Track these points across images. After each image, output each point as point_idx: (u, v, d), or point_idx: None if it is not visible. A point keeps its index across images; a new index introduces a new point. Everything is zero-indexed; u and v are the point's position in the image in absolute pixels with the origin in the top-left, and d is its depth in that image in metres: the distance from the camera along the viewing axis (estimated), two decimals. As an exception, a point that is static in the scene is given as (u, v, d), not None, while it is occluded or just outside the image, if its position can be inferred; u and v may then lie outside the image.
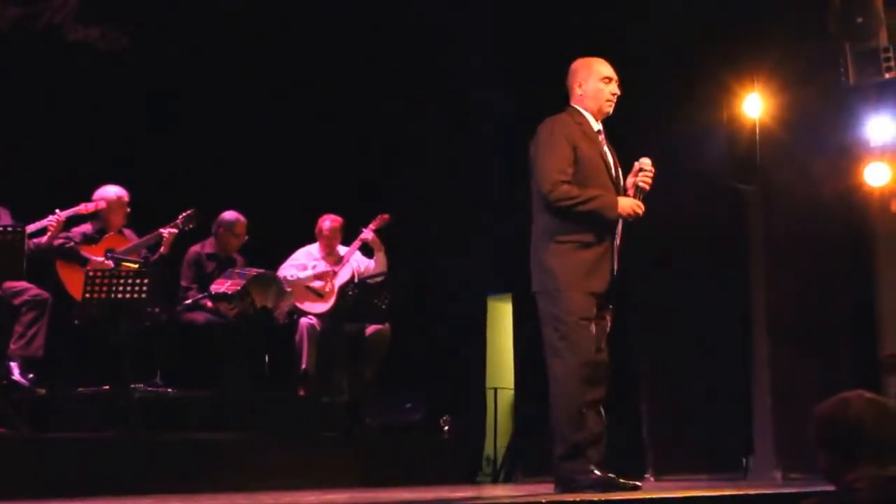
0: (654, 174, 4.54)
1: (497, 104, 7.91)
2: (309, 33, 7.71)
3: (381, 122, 7.96)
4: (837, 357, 6.62)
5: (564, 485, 4.42)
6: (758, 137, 6.68)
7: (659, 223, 6.96)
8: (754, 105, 6.68)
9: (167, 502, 4.20)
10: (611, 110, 4.62)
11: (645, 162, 4.55)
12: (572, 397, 4.48)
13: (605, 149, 4.60)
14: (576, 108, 4.62)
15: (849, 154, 6.63)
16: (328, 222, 7.21)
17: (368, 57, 7.91)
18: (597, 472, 4.39)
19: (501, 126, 7.93)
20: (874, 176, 6.51)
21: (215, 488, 5.17)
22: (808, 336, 6.64)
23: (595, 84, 4.59)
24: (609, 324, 4.57)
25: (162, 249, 6.46)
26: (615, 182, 4.56)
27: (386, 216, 7.15)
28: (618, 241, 4.53)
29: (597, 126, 4.60)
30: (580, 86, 4.61)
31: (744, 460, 6.66)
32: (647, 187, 4.53)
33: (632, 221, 4.49)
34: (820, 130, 6.61)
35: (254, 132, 7.59)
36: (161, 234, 6.44)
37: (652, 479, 6.58)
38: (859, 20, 6.03)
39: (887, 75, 6.04)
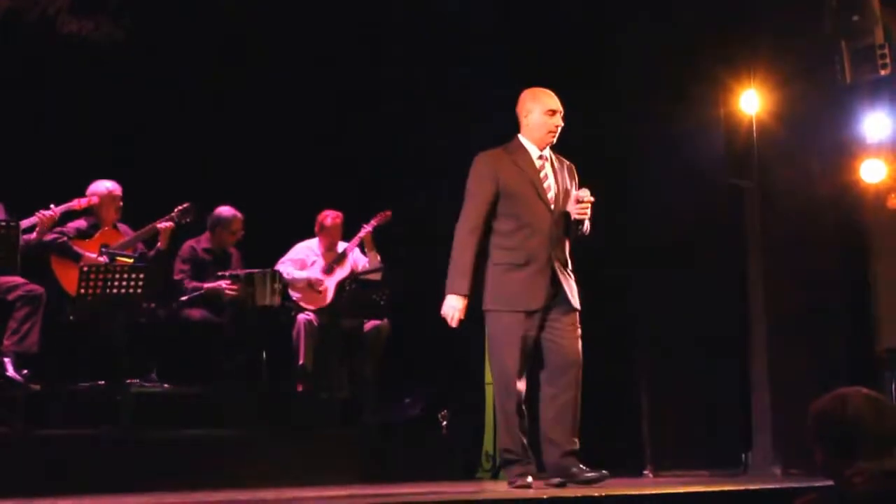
0: (593, 203, 4.78)
1: (498, 101, 7.90)
2: (309, 25, 7.70)
3: (381, 118, 7.95)
4: (835, 352, 6.62)
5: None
6: (755, 134, 6.68)
7: (657, 220, 7.02)
8: (751, 101, 6.68)
9: (164, 499, 4.19)
10: (553, 141, 4.86)
11: (582, 194, 4.79)
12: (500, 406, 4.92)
13: (546, 173, 4.82)
14: (518, 139, 4.90)
15: (845, 151, 6.63)
16: (330, 219, 7.21)
17: (370, 50, 7.90)
18: (523, 479, 4.71)
19: (502, 123, 7.92)
20: (870, 172, 6.52)
21: (213, 485, 5.16)
22: (805, 331, 6.65)
23: (539, 117, 4.83)
24: (575, 329, 4.85)
25: (159, 244, 6.46)
26: (550, 207, 4.77)
27: (388, 213, 7.16)
28: (558, 263, 4.77)
29: (537, 153, 4.85)
30: (525, 116, 4.88)
31: (743, 456, 6.66)
32: (584, 217, 4.79)
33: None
34: (816, 127, 6.61)
35: (251, 126, 7.58)
36: (157, 227, 6.44)
37: (651, 474, 6.59)
38: (855, 18, 6.03)
39: (883, 72, 6.04)
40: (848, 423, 2.72)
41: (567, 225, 4.81)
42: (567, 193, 4.83)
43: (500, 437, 4.93)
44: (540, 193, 4.76)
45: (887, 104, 6.41)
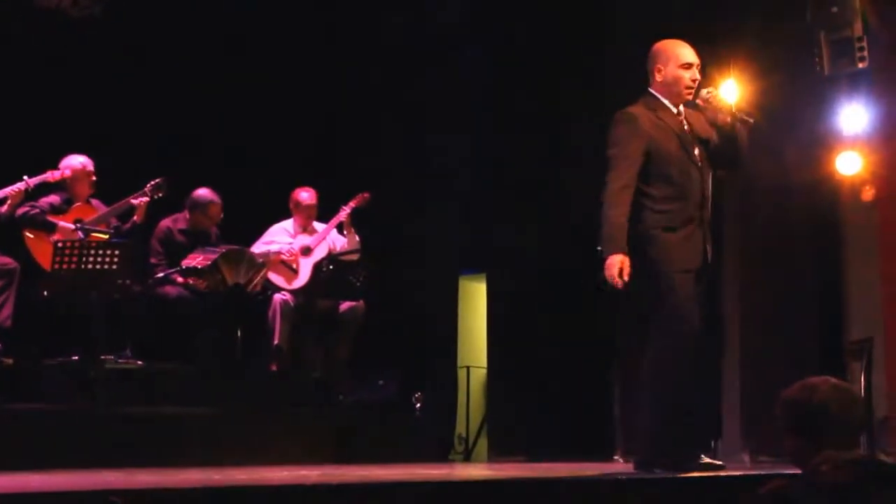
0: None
1: (475, 81, 7.91)
2: (285, 3, 7.66)
3: (356, 99, 7.93)
4: (805, 343, 6.69)
5: None
6: (692, 129, 6.71)
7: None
8: (730, 91, 6.70)
9: (136, 476, 4.19)
10: (690, 97, 4.63)
11: (704, 94, 4.60)
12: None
13: (690, 129, 4.62)
14: (654, 95, 4.63)
15: (821, 143, 6.67)
16: (305, 194, 7.17)
17: (346, 29, 7.87)
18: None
19: (479, 104, 7.93)
20: (846, 165, 6.55)
21: (185, 463, 5.16)
22: (777, 322, 6.71)
23: (675, 71, 4.59)
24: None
25: (136, 218, 6.42)
26: (698, 165, 4.59)
27: (366, 195, 7.14)
28: (706, 224, 4.61)
29: (675, 110, 4.62)
30: (659, 71, 4.62)
31: (712, 443, 6.72)
32: (730, 115, 4.55)
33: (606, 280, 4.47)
34: (794, 118, 6.64)
35: (229, 104, 7.54)
36: (131, 203, 6.39)
37: (621, 459, 6.64)
38: (834, 10, 6.06)
39: (861, 65, 6.07)
40: (815, 411, 2.76)
41: (710, 182, 4.62)
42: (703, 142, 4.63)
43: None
44: (688, 152, 4.57)
45: (864, 96, 6.44)
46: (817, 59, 6.22)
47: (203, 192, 6.82)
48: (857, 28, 6.06)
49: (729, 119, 4.60)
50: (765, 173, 6.63)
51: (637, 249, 4.44)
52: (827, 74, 6.28)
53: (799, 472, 2.82)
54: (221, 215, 6.87)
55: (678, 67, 4.60)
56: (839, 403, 2.77)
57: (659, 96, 4.65)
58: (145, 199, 6.42)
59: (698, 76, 4.63)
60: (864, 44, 6.04)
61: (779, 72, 6.54)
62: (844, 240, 6.91)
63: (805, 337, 6.72)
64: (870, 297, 6.42)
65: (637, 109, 4.61)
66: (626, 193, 4.46)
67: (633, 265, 4.41)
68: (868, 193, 6.41)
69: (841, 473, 2.64)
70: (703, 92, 4.63)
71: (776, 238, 6.72)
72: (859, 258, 6.77)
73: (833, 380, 2.84)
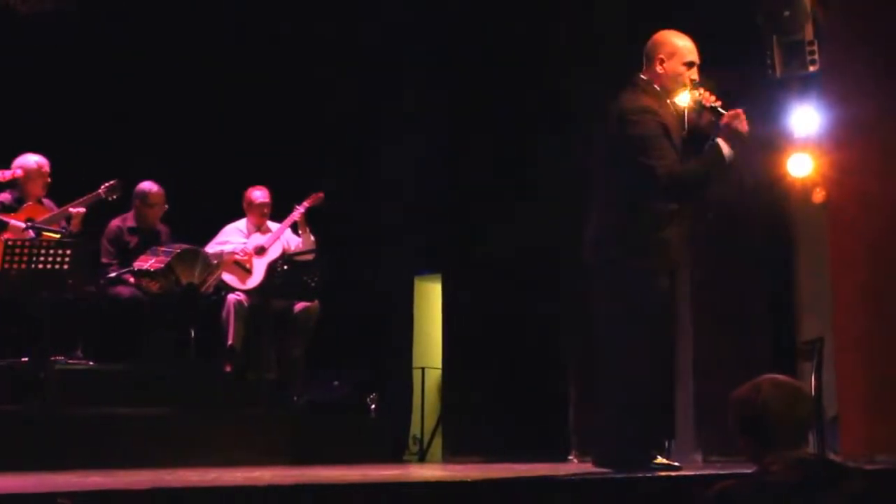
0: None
1: (430, 81, 7.91)
2: (237, 3, 7.62)
3: (311, 99, 7.90)
4: (757, 343, 6.75)
5: None
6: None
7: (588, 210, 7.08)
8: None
9: (87, 478, 4.14)
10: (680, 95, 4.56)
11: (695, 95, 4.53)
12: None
13: (682, 124, 4.57)
14: (648, 83, 4.54)
15: (773, 144, 6.74)
16: (258, 193, 7.13)
17: (299, 29, 7.83)
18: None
19: (434, 104, 7.93)
20: (797, 166, 6.63)
21: (138, 464, 5.11)
22: (729, 322, 6.77)
23: (677, 66, 4.52)
24: None
25: (72, 227, 6.31)
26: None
27: (321, 194, 7.12)
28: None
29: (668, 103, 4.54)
30: (661, 62, 4.52)
31: (665, 443, 6.77)
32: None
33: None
34: (746, 120, 6.70)
35: (182, 103, 7.49)
36: (69, 211, 6.31)
37: (575, 459, 6.66)
38: (786, 13, 6.12)
39: (811, 68, 6.14)
40: (758, 409, 2.78)
41: None
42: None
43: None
44: (681, 147, 4.51)
45: (815, 99, 6.52)
46: (770, 63, 6.28)
47: (143, 184, 6.76)
48: (809, 32, 6.13)
49: (714, 120, 4.53)
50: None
51: (633, 246, 4.39)
52: (779, 77, 6.34)
53: (749, 471, 2.84)
54: (165, 206, 6.79)
55: (682, 64, 4.54)
56: (781, 401, 2.78)
57: (656, 86, 4.56)
58: (83, 209, 6.32)
59: (696, 76, 4.57)
60: (815, 48, 6.11)
61: (732, 74, 6.60)
62: (795, 241, 6.99)
63: (757, 337, 6.78)
64: (821, 297, 6.49)
65: (649, 101, 4.50)
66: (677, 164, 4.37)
67: (624, 263, 4.39)
68: (819, 195, 6.48)
69: (790, 473, 2.66)
70: (695, 93, 4.55)
71: (728, 239, 6.78)
72: (810, 259, 6.85)
73: (781, 378, 2.86)
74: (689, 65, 4.55)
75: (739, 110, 4.51)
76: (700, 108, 4.59)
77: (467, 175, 7.79)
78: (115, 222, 6.80)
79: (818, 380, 5.79)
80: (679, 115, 4.60)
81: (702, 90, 4.56)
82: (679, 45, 4.56)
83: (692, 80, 4.54)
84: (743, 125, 4.48)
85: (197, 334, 6.71)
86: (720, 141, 4.43)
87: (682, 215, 4.54)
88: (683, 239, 4.54)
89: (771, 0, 6.28)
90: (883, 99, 5.60)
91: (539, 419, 7.22)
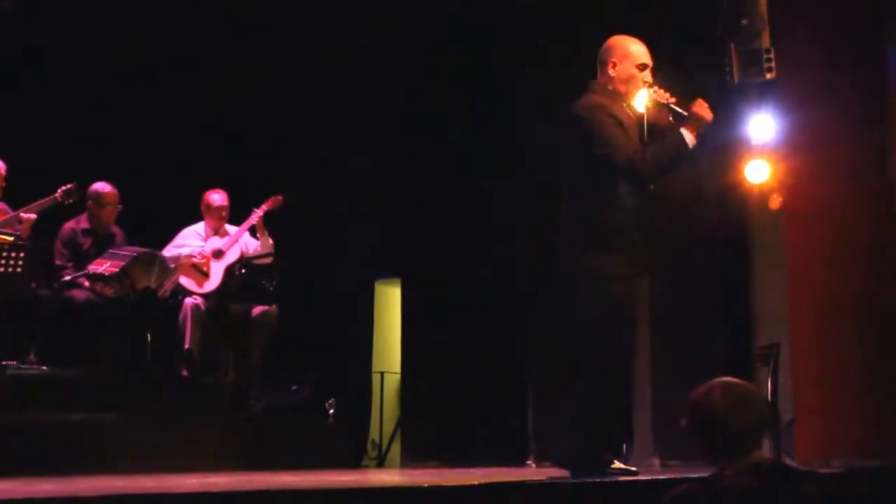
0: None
1: (386, 83, 7.90)
2: (192, 2, 7.56)
3: (269, 102, 7.86)
4: (714, 348, 6.80)
5: None
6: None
7: (544, 215, 7.10)
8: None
9: (40, 485, 4.08)
10: (633, 100, 4.58)
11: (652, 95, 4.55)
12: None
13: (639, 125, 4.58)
14: (605, 87, 4.56)
15: (731, 150, 6.79)
16: (216, 196, 7.09)
17: (257, 30, 7.79)
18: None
19: (390, 107, 7.92)
20: (754, 173, 6.69)
21: (92, 471, 5.04)
22: (686, 327, 6.81)
23: (629, 69, 4.55)
24: None
25: (21, 233, 6.20)
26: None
27: (279, 197, 7.08)
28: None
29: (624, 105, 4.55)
30: (613, 66, 4.56)
31: (623, 448, 6.80)
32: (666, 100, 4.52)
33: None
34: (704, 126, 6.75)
35: (140, 106, 7.41)
36: (20, 216, 6.23)
37: (533, 464, 6.67)
38: (744, 21, 6.19)
39: (769, 76, 6.21)
40: (709, 412, 2.79)
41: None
42: None
43: None
44: (644, 146, 4.50)
45: (772, 106, 6.58)
46: (728, 70, 6.34)
47: (97, 185, 6.69)
48: (766, 40, 6.20)
49: (672, 120, 4.56)
50: (674, 180, 6.72)
51: (595, 249, 4.40)
52: (737, 84, 6.40)
53: (703, 476, 2.85)
54: (120, 207, 6.71)
55: (634, 66, 4.58)
56: (731, 403, 2.79)
57: (610, 89, 4.59)
58: (34, 216, 6.24)
59: (650, 78, 4.60)
60: (772, 55, 6.18)
61: (691, 81, 6.65)
62: (752, 246, 7.05)
63: (714, 342, 6.83)
64: (777, 302, 6.55)
65: (601, 99, 4.53)
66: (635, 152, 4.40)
67: (587, 268, 4.39)
68: (775, 201, 6.54)
69: (744, 478, 2.67)
70: (651, 92, 4.58)
71: (685, 245, 6.82)
72: (766, 264, 6.91)
73: (730, 381, 2.86)
74: (642, 67, 4.59)
75: (699, 99, 4.55)
76: (658, 107, 4.61)
77: (427, 179, 7.78)
78: (69, 224, 6.72)
79: (774, 384, 5.83)
80: (638, 118, 4.62)
81: (657, 88, 4.58)
82: (631, 48, 4.61)
83: (646, 82, 4.57)
84: (707, 112, 4.52)
85: (153, 338, 6.64)
86: (684, 130, 4.47)
87: (645, 217, 4.53)
88: (647, 245, 4.53)
89: (729, 8, 6.35)
90: (837, 106, 5.67)
91: (497, 424, 7.23)
